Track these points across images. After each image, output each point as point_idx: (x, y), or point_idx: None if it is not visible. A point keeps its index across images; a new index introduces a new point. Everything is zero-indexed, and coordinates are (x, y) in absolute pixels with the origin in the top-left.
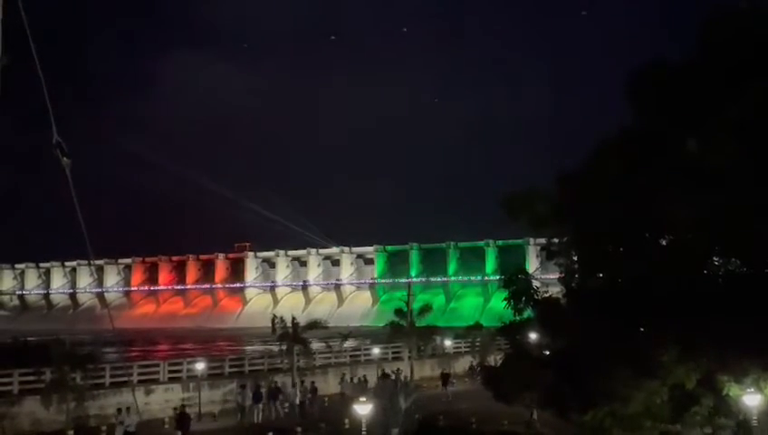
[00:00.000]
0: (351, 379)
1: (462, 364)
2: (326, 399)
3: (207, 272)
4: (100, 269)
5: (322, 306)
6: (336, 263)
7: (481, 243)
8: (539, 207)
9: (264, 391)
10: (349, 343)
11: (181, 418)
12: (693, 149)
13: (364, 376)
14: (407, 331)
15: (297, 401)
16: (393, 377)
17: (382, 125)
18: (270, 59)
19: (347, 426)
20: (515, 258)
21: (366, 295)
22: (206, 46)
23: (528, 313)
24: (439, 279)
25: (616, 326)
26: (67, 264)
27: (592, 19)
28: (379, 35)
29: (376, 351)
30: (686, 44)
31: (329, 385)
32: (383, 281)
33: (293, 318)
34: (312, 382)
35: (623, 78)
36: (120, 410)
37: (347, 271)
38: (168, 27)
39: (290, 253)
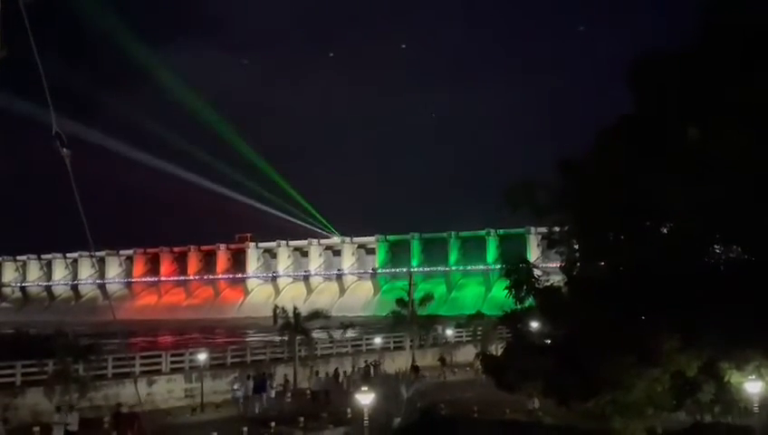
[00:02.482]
0: (317, 373)
1: (463, 353)
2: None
3: (209, 263)
4: (101, 261)
5: (324, 296)
6: (337, 253)
7: (482, 232)
8: (540, 197)
9: (254, 382)
10: (350, 333)
11: (117, 417)
12: (693, 137)
13: (336, 369)
14: (408, 320)
15: (273, 394)
16: (368, 368)
17: (383, 117)
18: (271, 51)
19: (349, 416)
20: (516, 247)
21: (367, 285)
22: (207, 38)
23: (529, 301)
24: (440, 268)
25: (617, 314)
26: (68, 255)
27: (591, 18)
28: (379, 32)
29: (378, 340)
30: (685, 36)
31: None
32: (384, 271)
33: (295, 308)
34: (285, 375)
35: (622, 67)
36: (59, 408)
37: (348, 261)
38: (167, 19)
39: (291, 243)
